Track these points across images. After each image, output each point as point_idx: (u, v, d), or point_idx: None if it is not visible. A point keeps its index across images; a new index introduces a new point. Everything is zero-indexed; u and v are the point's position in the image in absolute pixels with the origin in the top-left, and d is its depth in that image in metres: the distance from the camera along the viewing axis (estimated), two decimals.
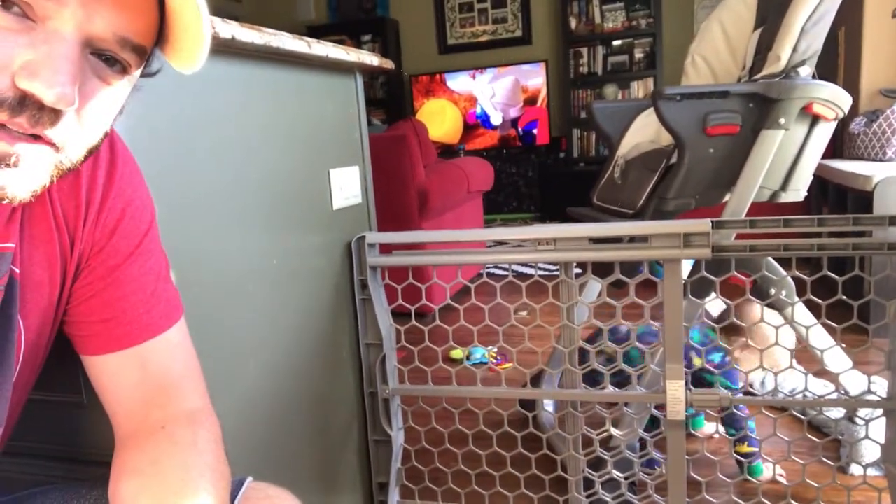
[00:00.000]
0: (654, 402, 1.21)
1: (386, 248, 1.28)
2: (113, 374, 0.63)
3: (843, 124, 3.14)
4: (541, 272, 3.34)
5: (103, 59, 0.47)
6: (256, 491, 0.64)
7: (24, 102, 0.43)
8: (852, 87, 3.16)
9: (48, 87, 0.42)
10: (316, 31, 5.77)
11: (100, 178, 0.61)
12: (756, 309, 1.33)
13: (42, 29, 0.43)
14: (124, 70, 0.49)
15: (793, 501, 1.21)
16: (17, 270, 0.56)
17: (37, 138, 0.45)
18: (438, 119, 5.65)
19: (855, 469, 1.46)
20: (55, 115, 0.44)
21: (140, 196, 0.65)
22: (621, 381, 1.28)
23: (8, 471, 0.76)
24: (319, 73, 1.16)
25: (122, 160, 0.63)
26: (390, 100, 5.81)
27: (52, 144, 0.46)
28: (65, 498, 0.65)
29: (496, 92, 5.53)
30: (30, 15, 0.43)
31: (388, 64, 1.33)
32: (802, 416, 1.29)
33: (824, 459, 1.29)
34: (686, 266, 1.27)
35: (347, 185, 1.25)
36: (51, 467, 0.79)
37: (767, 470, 1.45)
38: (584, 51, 5.33)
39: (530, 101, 5.47)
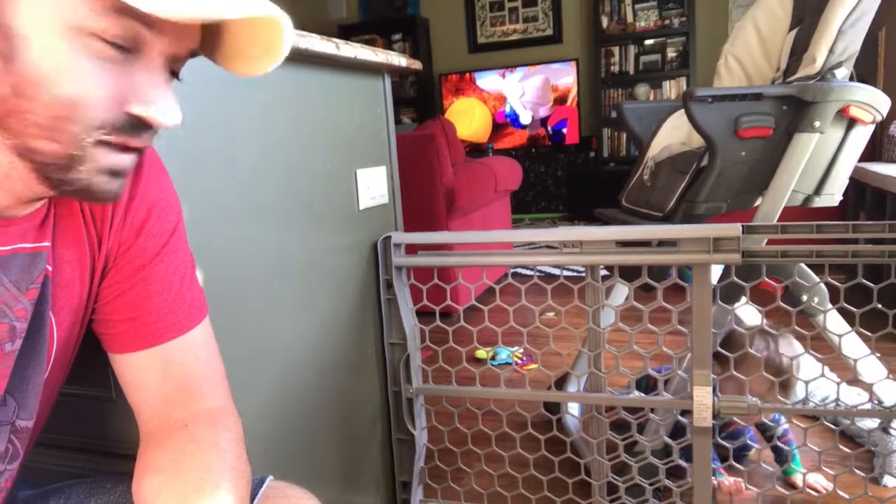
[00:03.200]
0: (681, 408, 1.20)
1: (411, 249, 1.28)
2: (138, 372, 0.64)
3: (882, 127, 3.06)
4: (567, 274, 3.33)
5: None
6: (275, 490, 0.64)
7: (135, 125, 0.49)
8: (892, 89, 3.08)
9: (163, 115, 0.49)
10: (347, 31, 5.80)
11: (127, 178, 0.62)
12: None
13: (139, 57, 0.48)
14: (176, 75, 0.53)
15: None
16: (50, 269, 0.57)
17: (138, 150, 0.51)
18: (467, 118, 5.65)
19: (888, 481, 1.42)
20: (155, 130, 0.51)
21: (166, 196, 0.65)
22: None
23: (38, 462, 0.78)
24: (347, 74, 1.16)
25: (149, 161, 0.64)
26: (420, 98, 5.82)
27: (140, 151, 0.52)
28: (90, 492, 0.66)
29: (526, 91, 5.51)
30: (128, 46, 0.47)
31: (416, 65, 1.33)
32: (835, 426, 1.26)
33: (856, 470, 1.25)
34: (716, 271, 1.25)
35: (374, 186, 1.26)
36: (79, 460, 0.80)
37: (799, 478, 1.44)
38: (616, 50, 5.28)
39: (560, 100, 5.43)
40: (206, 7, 0.45)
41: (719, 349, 1.26)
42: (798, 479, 1.43)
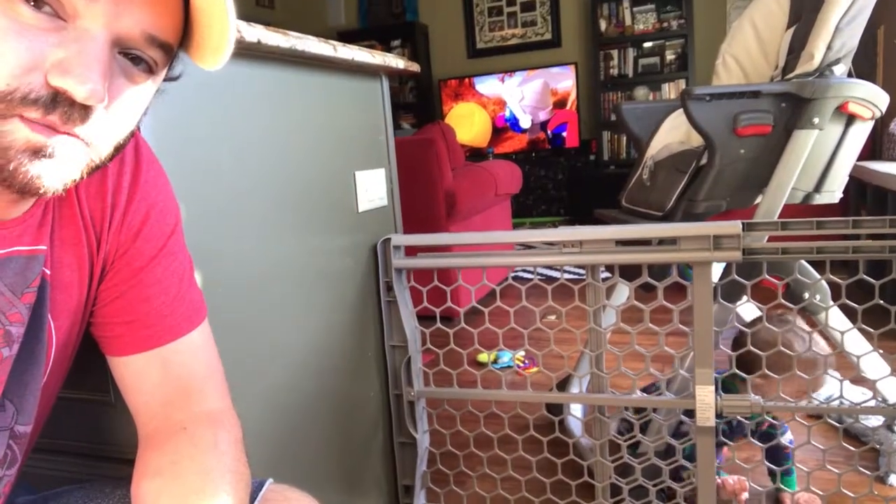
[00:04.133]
0: (684, 407, 1.19)
1: (411, 251, 1.28)
2: (136, 374, 0.64)
3: (882, 125, 3.06)
4: (567, 275, 3.32)
5: (130, 58, 0.49)
6: (275, 493, 0.64)
7: (57, 99, 0.44)
8: (891, 86, 3.08)
9: (80, 84, 0.43)
10: (346, 37, 5.82)
11: (125, 181, 0.61)
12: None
13: (72, 27, 0.44)
14: (150, 69, 0.50)
15: None
16: (48, 272, 0.57)
17: (69, 134, 0.46)
18: (467, 123, 5.65)
19: (893, 479, 1.41)
20: (85, 111, 0.46)
21: (164, 199, 0.65)
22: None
23: (37, 467, 0.78)
24: (345, 77, 1.16)
25: (147, 163, 0.64)
26: (419, 104, 5.83)
27: (83, 140, 0.47)
28: (89, 497, 0.65)
29: (525, 95, 5.51)
30: (60, 13, 0.44)
31: (414, 67, 1.33)
32: (838, 424, 1.26)
33: (861, 469, 1.24)
34: (716, 269, 1.24)
35: (373, 188, 1.26)
36: (78, 464, 0.80)
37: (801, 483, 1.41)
38: (615, 53, 5.28)
39: (560, 103, 5.44)
40: None
41: (751, 348, 1.17)
42: (787, 498, 1.40)
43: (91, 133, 0.47)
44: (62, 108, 0.44)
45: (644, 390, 1.39)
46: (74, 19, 0.44)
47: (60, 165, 0.46)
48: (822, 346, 1.26)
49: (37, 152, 0.45)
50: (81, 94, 0.44)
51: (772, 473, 1.41)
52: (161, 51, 0.49)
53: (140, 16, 0.47)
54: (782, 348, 1.13)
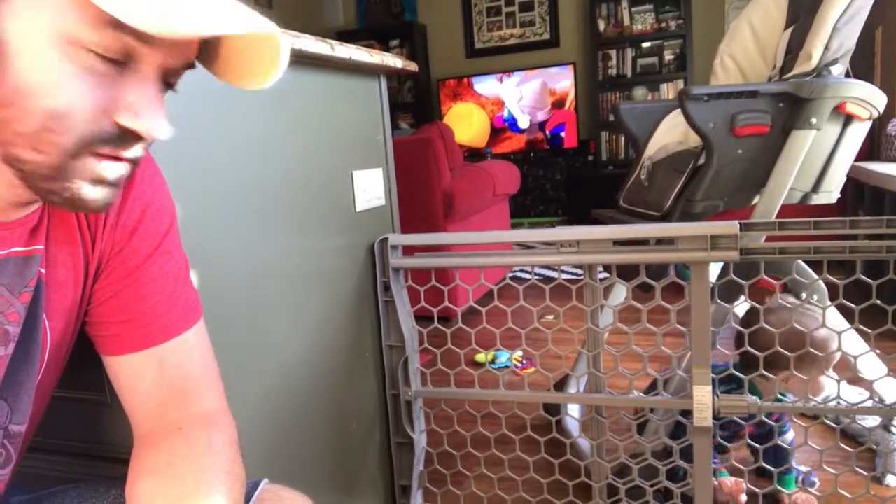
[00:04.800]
0: (681, 408, 1.19)
1: (409, 251, 1.28)
2: (131, 374, 0.63)
3: (880, 125, 3.06)
4: (565, 275, 3.32)
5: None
6: (270, 493, 0.64)
7: (124, 136, 0.49)
8: (889, 87, 3.08)
9: (152, 124, 0.49)
10: (345, 37, 5.81)
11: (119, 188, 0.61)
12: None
13: (132, 71, 0.48)
14: (172, 87, 0.53)
15: None
16: (44, 271, 0.57)
17: (127, 161, 0.51)
18: (466, 123, 5.65)
19: (890, 480, 1.41)
20: (143, 140, 0.51)
21: (160, 198, 0.65)
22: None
23: (32, 467, 0.78)
24: (343, 76, 1.16)
25: (143, 162, 0.64)
26: (418, 103, 5.83)
27: (133, 162, 0.52)
28: (84, 497, 0.65)
29: (524, 95, 5.51)
30: (121, 59, 0.46)
31: (412, 66, 1.33)
32: (835, 425, 1.25)
33: (858, 469, 1.25)
34: (714, 269, 1.24)
35: (370, 187, 1.25)
36: (74, 464, 0.80)
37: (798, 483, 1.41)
38: (613, 53, 5.28)
39: (558, 104, 5.43)
40: (203, 26, 0.44)
41: (765, 325, 1.15)
42: (785, 498, 1.39)
43: (139, 154, 0.52)
44: (129, 142, 0.49)
45: (648, 389, 1.38)
46: (134, 63, 0.47)
47: (114, 188, 0.51)
48: (832, 321, 1.24)
49: (100, 181, 0.49)
50: (155, 135, 0.49)
51: (765, 473, 1.40)
52: (185, 71, 0.53)
53: (186, 51, 0.50)
54: (796, 325, 1.12)
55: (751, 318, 1.23)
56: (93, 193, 0.49)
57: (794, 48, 1.45)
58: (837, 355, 1.20)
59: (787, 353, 1.13)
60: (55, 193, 0.48)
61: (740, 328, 1.23)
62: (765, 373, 1.15)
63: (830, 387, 1.24)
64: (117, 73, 0.46)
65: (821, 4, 1.32)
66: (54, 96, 0.44)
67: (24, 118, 0.44)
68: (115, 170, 0.50)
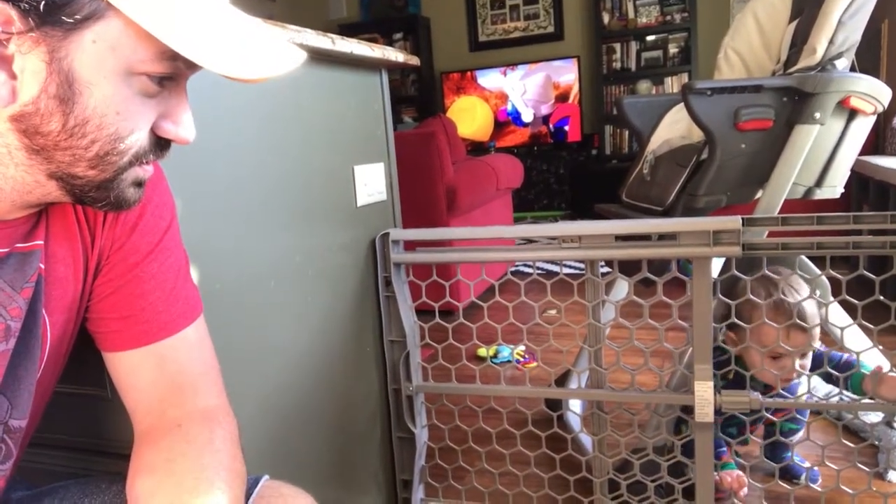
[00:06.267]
0: (682, 403, 1.19)
1: (410, 246, 1.27)
2: (131, 370, 0.63)
3: (885, 120, 3.04)
4: (567, 270, 3.32)
5: None
6: (271, 489, 0.64)
7: (164, 145, 0.54)
8: (895, 80, 3.06)
9: (188, 131, 0.54)
10: (348, 30, 5.80)
11: None
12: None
13: (173, 83, 0.51)
14: None
15: None
16: (43, 267, 0.57)
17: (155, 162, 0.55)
18: (469, 116, 5.64)
19: (892, 476, 1.41)
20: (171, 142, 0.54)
21: (160, 194, 0.65)
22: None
23: (33, 462, 0.78)
24: (344, 70, 1.16)
25: None
26: (421, 97, 5.81)
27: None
28: (84, 492, 0.65)
29: (527, 89, 5.49)
30: (170, 78, 0.50)
31: (414, 60, 1.32)
32: (837, 421, 1.25)
33: (860, 465, 1.24)
34: (716, 264, 1.24)
35: (372, 182, 1.25)
36: (75, 459, 0.80)
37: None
38: (617, 46, 5.26)
39: (562, 97, 5.42)
40: (268, 70, 0.49)
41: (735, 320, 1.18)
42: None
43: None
44: (167, 148, 0.54)
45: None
46: (178, 78, 0.51)
47: (144, 185, 0.56)
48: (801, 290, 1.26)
49: (140, 184, 0.54)
50: (191, 139, 0.54)
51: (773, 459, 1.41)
52: None
53: None
54: (767, 272, 1.14)
55: (730, 281, 1.26)
56: (134, 195, 0.54)
57: (799, 42, 1.44)
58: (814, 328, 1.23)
59: (757, 300, 1.14)
60: (99, 200, 0.52)
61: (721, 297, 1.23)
62: (736, 321, 1.15)
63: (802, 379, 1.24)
64: (163, 89, 0.50)
65: None
66: (120, 125, 0.48)
67: (91, 146, 0.48)
68: (149, 171, 0.55)
